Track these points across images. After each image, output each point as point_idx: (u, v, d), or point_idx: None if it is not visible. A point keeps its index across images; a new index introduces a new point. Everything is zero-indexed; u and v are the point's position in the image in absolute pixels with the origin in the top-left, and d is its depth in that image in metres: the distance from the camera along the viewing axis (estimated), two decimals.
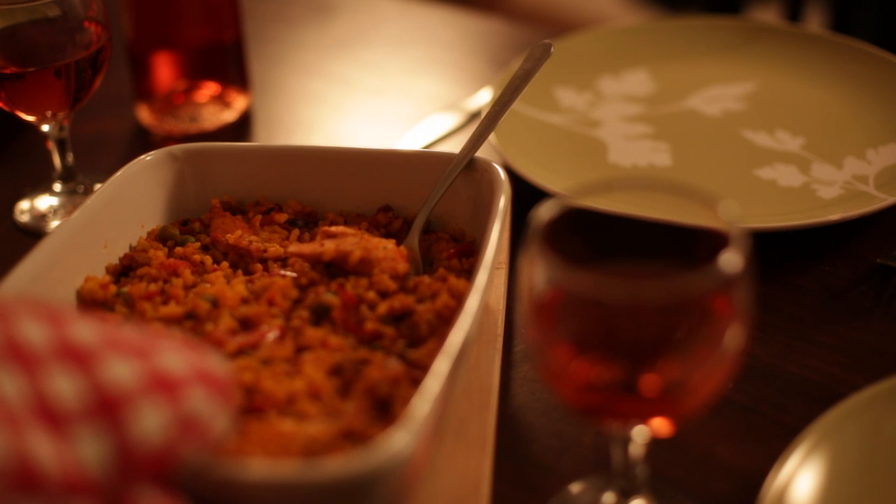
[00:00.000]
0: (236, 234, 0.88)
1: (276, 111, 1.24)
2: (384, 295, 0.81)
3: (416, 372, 0.74)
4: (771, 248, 0.96)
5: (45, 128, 1.02)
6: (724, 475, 0.76)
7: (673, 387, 0.62)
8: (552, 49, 0.97)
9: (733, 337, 0.62)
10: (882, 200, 0.97)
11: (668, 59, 1.23)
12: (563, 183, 1.00)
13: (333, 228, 0.87)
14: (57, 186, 1.06)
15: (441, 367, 0.67)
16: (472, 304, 0.72)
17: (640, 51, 1.23)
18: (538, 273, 0.61)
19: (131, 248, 0.89)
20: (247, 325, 0.79)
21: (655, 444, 0.70)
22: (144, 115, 1.18)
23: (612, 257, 0.65)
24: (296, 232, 0.90)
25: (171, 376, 0.63)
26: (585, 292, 0.60)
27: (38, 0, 0.95)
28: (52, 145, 1.04)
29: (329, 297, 0.80)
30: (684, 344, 0.61)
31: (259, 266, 0.86)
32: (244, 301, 0.81)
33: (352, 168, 0.92)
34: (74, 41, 0.98)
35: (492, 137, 1.05)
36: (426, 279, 0.82)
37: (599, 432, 0.78)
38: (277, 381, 0.73)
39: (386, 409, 0.71)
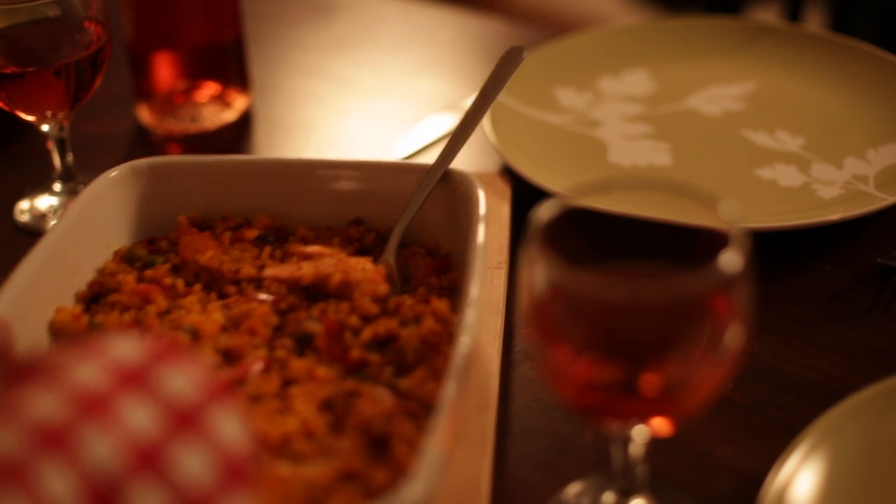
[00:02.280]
0: (207, 254, 0.86)
1: (276, 111, 1.24)
2: (366, 319, 0.80)
3: (409, 403, 0.73)
4: (771, 248, 0.96)
5: (45, 128, 1.02)
6: (724, 475, 0.76)
7: (673, 387, 0.62)
8: (524, 54, 0.96)
9: (733, 337, 0.61)
10: (882, 200, 0.97)
11: (668, 59, 1.22)
12: (563, 183, 0.99)
13: (309, 249, 0.86)
14: (57, 186, 1.06)
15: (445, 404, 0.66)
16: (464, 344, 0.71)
17: (640, 51, 1.23)
18: (538, 273, 0.61)
19: (98, 271, 0.87)
20: (229, 356, 0.77)
21: (655, 444, 0.70)
22: (144, 115, 1.18)
23: (612, 257, 0.65)
24: (267, 250, 0.87)
25: (186, 404, 0.59)
26: (585, 292, 0.60)
27: (37, 0, 0.95)
28: (52, 145, 1.04)
29: (312, 324, 0.79)
30: (684, 344, 0.61)
31: (233, 288, 0.84)
32: (223, 329, 0.80)
33: (321, 180, 0.90)
34: (74, 41, 0.98)
35: (492, 137, 1.05)
36: (407, 300, 0.81)
37: (599, 432, 0.78)
38: (270, 420, 0.71)
39: (383, 447, 0.70)
